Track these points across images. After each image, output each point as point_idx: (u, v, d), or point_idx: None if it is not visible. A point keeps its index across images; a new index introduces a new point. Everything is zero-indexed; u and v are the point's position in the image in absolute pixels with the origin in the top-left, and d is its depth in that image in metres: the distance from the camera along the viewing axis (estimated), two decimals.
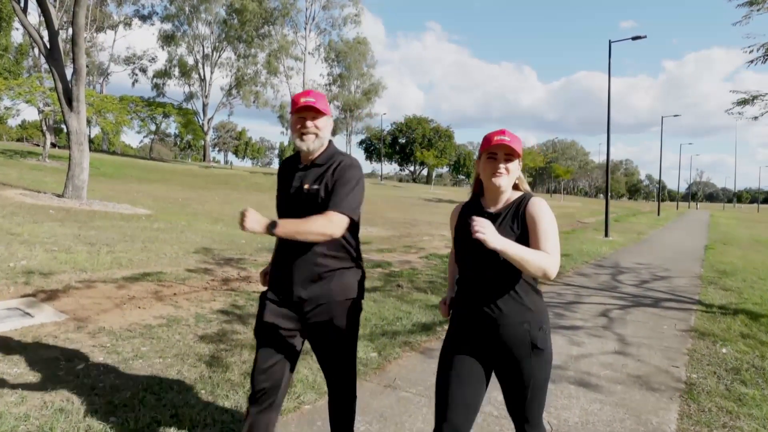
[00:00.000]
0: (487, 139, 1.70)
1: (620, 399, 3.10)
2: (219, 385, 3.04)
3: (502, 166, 1.67)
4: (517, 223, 1.65)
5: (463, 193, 47.61)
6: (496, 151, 1.68)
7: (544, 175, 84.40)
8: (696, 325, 4.89)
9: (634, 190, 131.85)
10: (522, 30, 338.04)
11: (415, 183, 68.97)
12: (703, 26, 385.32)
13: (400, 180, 79.71)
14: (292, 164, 2.04)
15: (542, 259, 1.55)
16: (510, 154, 1.67)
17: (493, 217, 1.68)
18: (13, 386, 2.87)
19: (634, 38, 15.53)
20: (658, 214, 34.88)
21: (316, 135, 1.93)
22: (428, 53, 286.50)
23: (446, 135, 74.33)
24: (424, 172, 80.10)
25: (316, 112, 1.93)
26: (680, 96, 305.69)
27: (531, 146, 42.17)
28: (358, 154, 78.16)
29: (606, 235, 15.08)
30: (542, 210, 1.66)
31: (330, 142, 2.00)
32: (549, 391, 3.11)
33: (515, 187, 1.78)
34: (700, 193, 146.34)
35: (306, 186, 1.91)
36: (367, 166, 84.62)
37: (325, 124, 1.95)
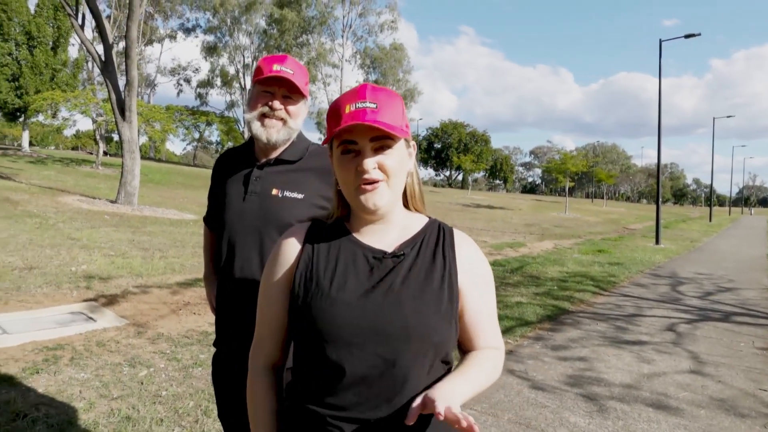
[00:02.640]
0: (333, 111, 0.84)
1: (706, 425, 2.85)
2: None
3: (371, 165, 0.82)
4: (447, 279, 0.89)
5: (500, 198, 46.71)
6: (353, 138, 0.83)
7: (584, 179, 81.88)
8: None
9: (680, 195, 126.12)
10: (558, 31, 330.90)
11: (451, 188, 68.36)
12: (753, 22, 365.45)
13: (435, 185, 79.28)
14: (241, 159, 1.46)
15: (494, 371, 0.92)
16: (384, 138, 0.83)
17: (393, 262, 0.89)
18: (81, 392, 2.94)
19: (687, 36, 14.80)
20: (710, 220, 33.03)
21: (284, 122, 1.36)
22: (461, 57, 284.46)
23: (483, 139, 73.46)
24: (459, 177, 79.39)
25: (290, 90, 1.35)
26: (729, 96, 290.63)
27: (571, 150, 40.91)
28: None
29: (657, 242, 14.37)
30: (482, 260, 0.95)
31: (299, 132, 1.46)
32: (625, 413, 2.97)
33: (405, 199, 0.95)
34: (753, 198, 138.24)
35: (275, 191, 1.37)
36: None
37: (299, 111, 1.39)
